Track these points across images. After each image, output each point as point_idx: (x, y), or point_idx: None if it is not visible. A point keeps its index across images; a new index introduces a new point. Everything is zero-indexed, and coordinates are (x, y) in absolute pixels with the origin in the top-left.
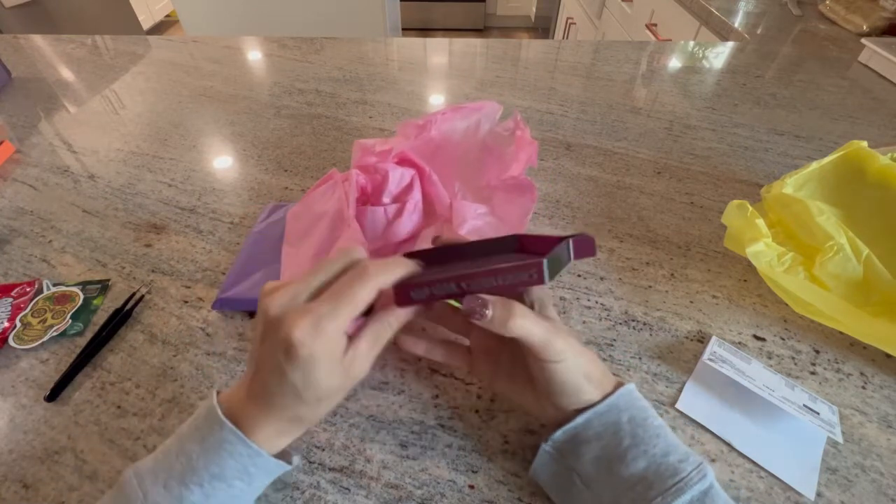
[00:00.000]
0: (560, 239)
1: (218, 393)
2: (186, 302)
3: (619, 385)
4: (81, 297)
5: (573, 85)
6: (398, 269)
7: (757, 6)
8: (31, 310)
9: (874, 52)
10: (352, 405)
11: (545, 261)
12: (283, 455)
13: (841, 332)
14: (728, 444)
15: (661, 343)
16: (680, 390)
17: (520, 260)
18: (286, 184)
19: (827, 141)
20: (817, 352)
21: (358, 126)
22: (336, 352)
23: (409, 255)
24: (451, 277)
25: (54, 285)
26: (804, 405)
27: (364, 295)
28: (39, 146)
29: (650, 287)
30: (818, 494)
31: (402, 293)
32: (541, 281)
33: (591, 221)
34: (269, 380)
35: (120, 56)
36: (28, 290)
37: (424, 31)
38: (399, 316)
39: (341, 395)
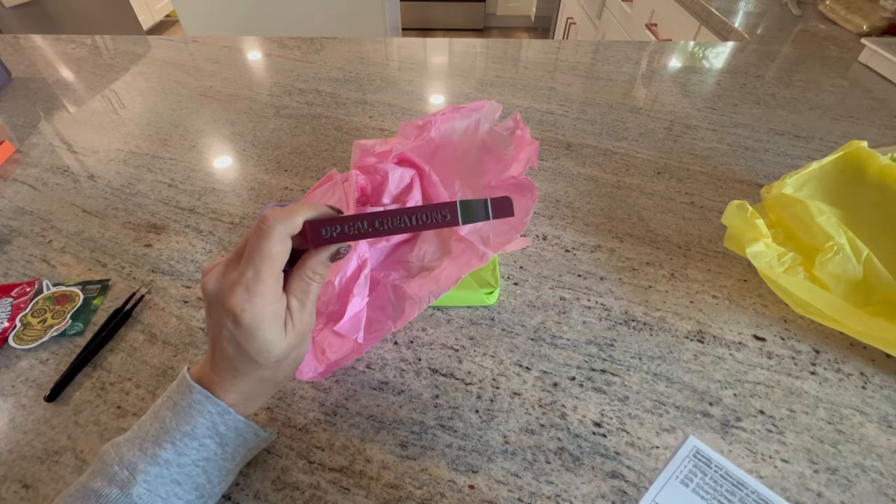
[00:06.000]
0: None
1: (188, 369)
2: (186, 302)
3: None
4: (81, 297)
5: (573, 85)
6: (302, 210)
7: (757, 6)
8: (31, 310)
9: (874, 52)
10: (352, 405)
11: (458, 202)
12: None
13: (841, 332)
14: None
15: (661, 343)
16: (680, 390)
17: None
18: (286, 184)
19: (827, 141)
20: (817, 352)
21: (358, 126)
22: (276, 311)
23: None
24: (365, 216)
25: (54, 285)
26: None
27: (272, 246)
28: (39, 146)
29: (650, 287)
30: (818, 494)
31: (314, 233)
32: (455, 222)
33: (591, 221)
34: (227, 347)
35: (120, 56)
36: (28, 290)
37: (424, 31)
38: (316, 261)
39: (301, 352)
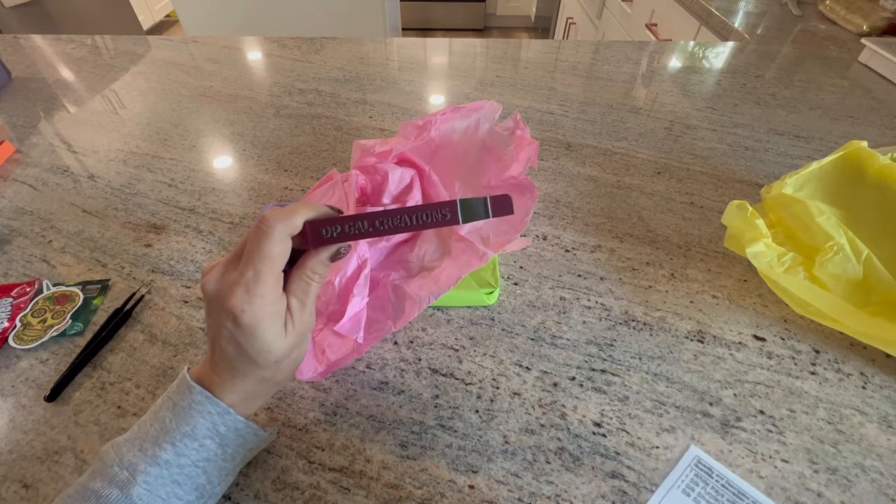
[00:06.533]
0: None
1: (188, 369)
2: (186, 302)
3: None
4: (81, 297)
5: (573, 85)
6: (302, 210)
7: (757, 6)
8: (31, 310)
9: (874, 52)
10: (352, 405)
11: (458, 201)
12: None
13: (841, 332)
14: None
15: (661, 343)
16: (680, 390)
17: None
18: (286, 184)
19: (827, 141)
20: (817, 352)
21: (358, 126)
22: (277, 311)
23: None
24: (366, 215)
25: (54, 285)
26: None
27: (272, 247)
28: (39, 146)
29: (650, 287)
30: (818, 494)
31: (314, 233)
32: (455, 221)
33: (591, 221)
34: (226, 347)
35: (120, 56)
36: (28, 290)
37: (424, 31)
38: (316, 261)
39: (301, 352)
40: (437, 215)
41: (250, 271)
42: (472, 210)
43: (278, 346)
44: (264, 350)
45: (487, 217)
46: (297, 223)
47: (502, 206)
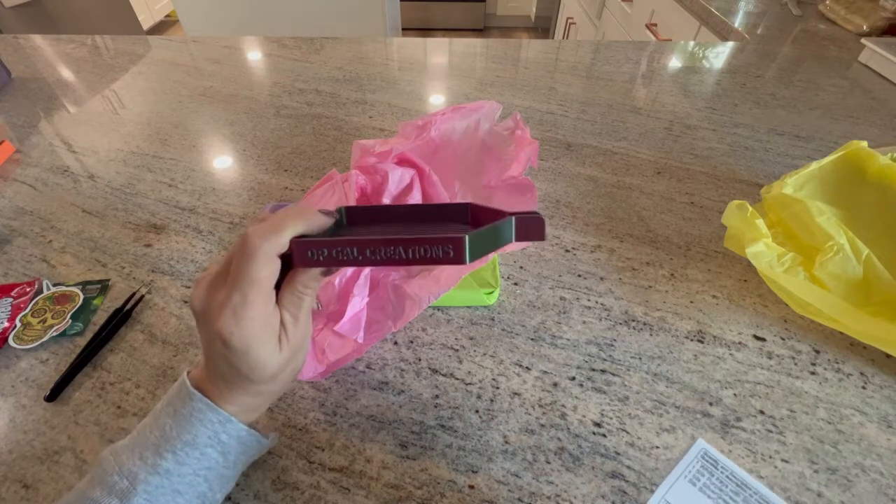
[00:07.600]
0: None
1: (188, 372)
2: (186, 302)
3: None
4: (81, 297)
5: (573, 85)
6: (289, 226)
7: (757, 6)
8: (31, 310)
9: (874, 52)
10: (352, 405)
11: (467, 237)
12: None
13: (841, 332)
14: None
15: (661, 343)
16: (680, 390)
17: (443, 232)
18: (286, 184)
19: (827, 141)
20: (817, 352)
21: (358, 126)
22: (270, 328)
23: (351, 208)
24: (356, 241)
25: (54, 285)
26: None
27: (258, 270)
28: (39, 146)
29: (650, 287)
30: (818, 494)
31: (300, 252)
32: (460, 260)
33: (591, 221)
34: (219, 364)
35: (120, 56)
36: (28, 290)
37: (424, 31)
38: (308, 276)
39: (298, 363)
40: (437, 252)
41: (237, 295)
42: (488, 242)
43: (273, 362)
44: (258, 368)
45: (510, 242)
46: (283, 242)
47: (532, 229)
